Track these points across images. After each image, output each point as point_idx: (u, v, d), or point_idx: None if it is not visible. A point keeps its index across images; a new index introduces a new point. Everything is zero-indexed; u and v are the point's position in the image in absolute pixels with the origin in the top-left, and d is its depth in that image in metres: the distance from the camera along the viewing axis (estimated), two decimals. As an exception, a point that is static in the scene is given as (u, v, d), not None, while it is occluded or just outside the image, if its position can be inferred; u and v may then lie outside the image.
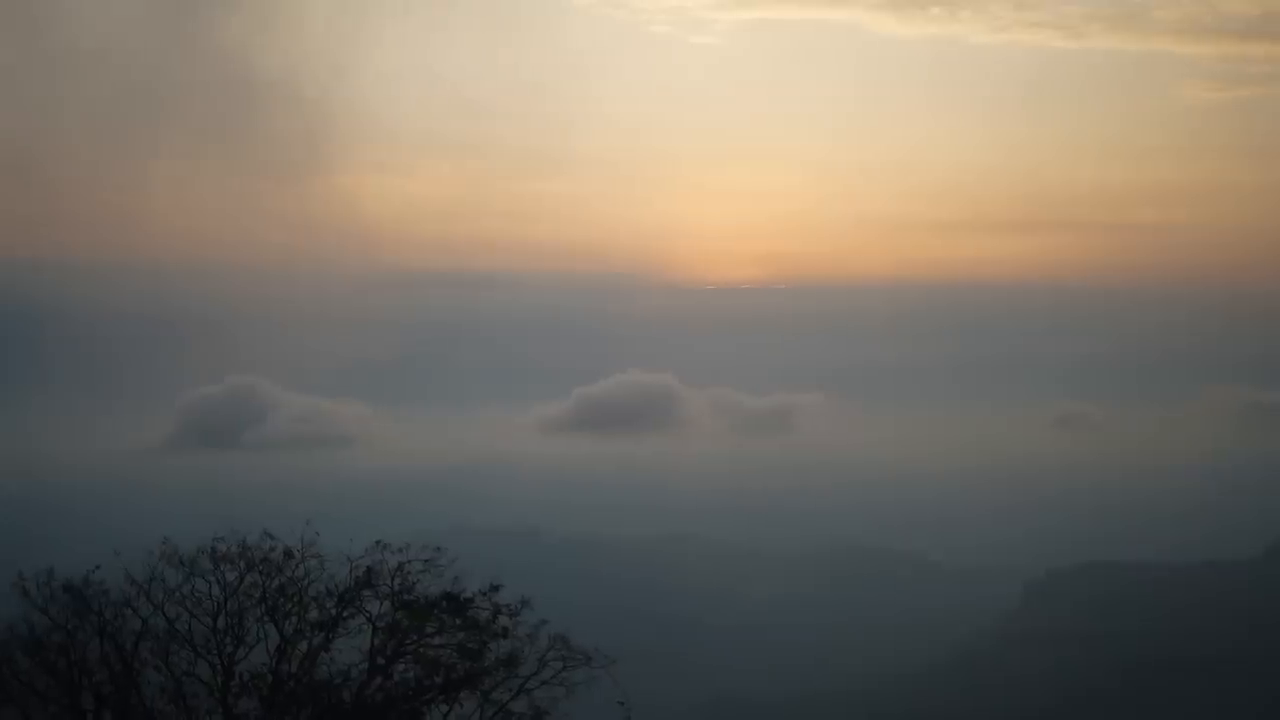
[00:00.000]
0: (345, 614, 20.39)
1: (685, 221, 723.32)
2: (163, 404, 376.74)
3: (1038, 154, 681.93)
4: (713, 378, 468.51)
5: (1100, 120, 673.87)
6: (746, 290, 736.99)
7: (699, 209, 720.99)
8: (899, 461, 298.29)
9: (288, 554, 20.37)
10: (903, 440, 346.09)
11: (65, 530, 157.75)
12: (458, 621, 20.45)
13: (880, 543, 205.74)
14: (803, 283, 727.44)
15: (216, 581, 20.11)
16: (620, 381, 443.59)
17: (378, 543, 20.60)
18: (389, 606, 20.44)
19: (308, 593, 20.34)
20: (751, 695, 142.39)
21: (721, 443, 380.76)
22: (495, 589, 20.64)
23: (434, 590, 20.45)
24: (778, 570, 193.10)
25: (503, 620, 20.39)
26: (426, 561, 20.50)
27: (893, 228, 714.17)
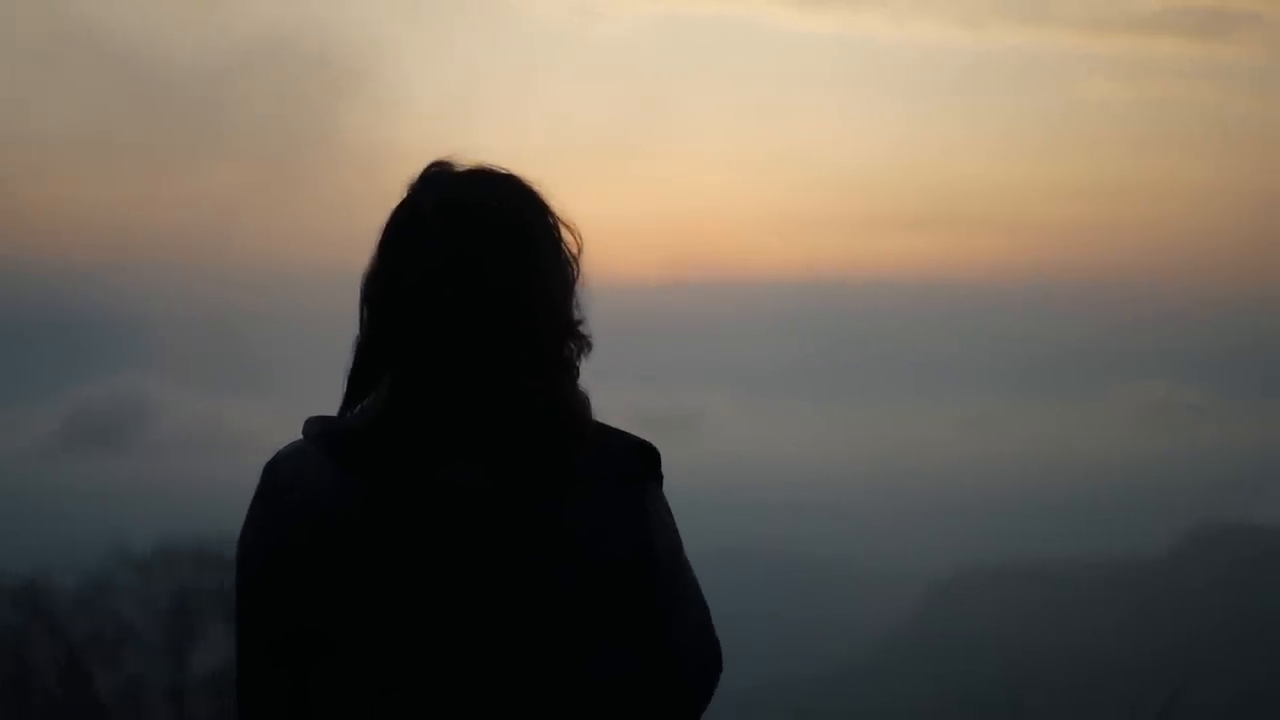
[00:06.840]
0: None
1: (586, 219, 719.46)
2: (47, 403, 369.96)
3: (942, 150, 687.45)
4: (615, 378, 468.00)
5: (1005, 116, 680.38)
6: (651, 289, 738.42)
7: (601, 206, 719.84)
8: (806, 461, 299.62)
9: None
10: (810, 440, 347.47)
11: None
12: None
13: (786, 545, 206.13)
14: (707, 280, 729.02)
15: (172, 581, 19.96)
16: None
17: None
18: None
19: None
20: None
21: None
22: None
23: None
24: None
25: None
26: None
27: (797, 224, 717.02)
